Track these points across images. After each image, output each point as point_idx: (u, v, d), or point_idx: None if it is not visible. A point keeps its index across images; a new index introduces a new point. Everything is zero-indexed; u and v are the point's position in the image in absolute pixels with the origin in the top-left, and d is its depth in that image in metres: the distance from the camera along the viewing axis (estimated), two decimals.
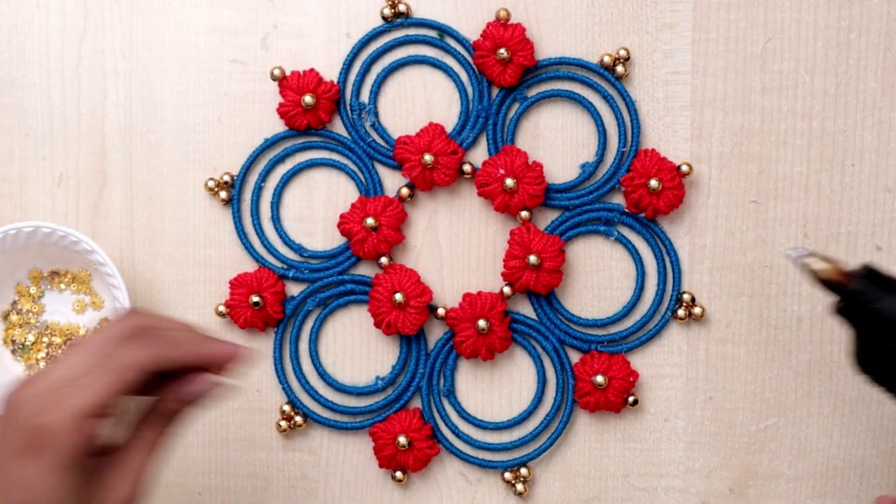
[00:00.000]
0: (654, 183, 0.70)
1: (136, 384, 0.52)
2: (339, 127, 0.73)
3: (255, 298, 0.71)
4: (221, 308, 0.72)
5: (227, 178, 0.73)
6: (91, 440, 0.50)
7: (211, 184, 0.73)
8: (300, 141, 0.73)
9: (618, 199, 0.72)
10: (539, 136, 0.72)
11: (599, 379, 0.71)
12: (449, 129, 0.72)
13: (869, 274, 0.59)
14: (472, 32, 0.72)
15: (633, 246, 0.72)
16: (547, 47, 0.72)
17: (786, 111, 0.71)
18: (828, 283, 0.60)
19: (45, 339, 0.73)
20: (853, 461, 0.72)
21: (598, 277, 0.73)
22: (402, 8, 0.72)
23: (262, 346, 0.73)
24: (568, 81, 0.72)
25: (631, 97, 0.71)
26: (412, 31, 0.72)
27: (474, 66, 0.72)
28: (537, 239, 0.70)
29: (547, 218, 0.72)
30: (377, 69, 0.73)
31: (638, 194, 0.70)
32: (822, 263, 0.60)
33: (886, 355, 0.58)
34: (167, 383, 0.55)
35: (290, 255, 0.73)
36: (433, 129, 0.71)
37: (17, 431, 0.49)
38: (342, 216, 0.72)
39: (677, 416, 0.73)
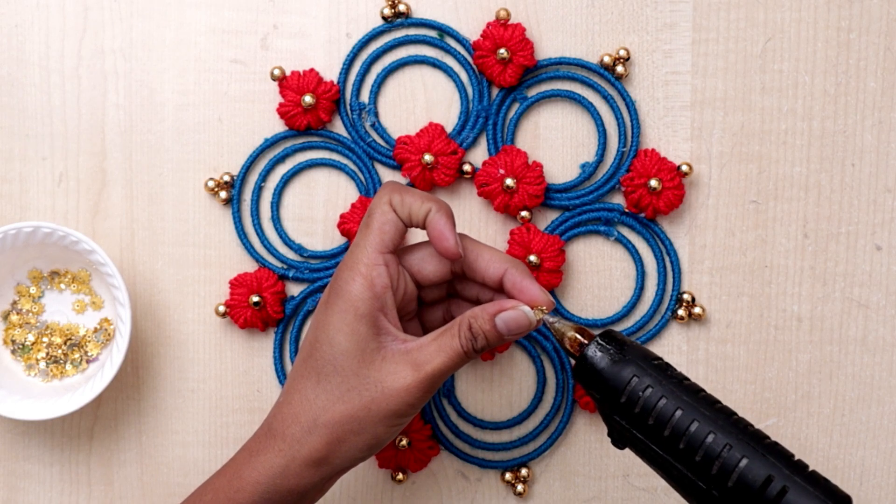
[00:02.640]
0: (654, 183, 0.70)
1: (416, 218, 0.60)
2: (339, 127, 0.73)
3: (255, 298, 0.71)
4: (221, 308, 0.72)
5: (227, 178, 0.73)
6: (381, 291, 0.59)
7: (211, 184, 0.73)
8: (300, 141, 0.73)
9: (618, 199, 0.72)
10: (539, 136, 0.72)
11: None
12: (449, 129, 0.72)
13: (599, 343, 0.56)
14: (472, 32, 0.72)
15: (633, 246, 0.72)
16: (547, 47, 0.72)
17: (786, 111, 0.71)
18: (567, 350, 0.57)
19: (45, 339, 0.73)
20: (853, 461, 0.72)
21: (598, 277, 0.73)
22: (402, 8, 0.72)
23: (263, 346, 0.73)
24: (568, 81, 0.72)
25: (631, 97, 0.71)
26: (412, 31, 0.72)
27: (474, 66, 0.72)
28: (537, 239, 0.70)
29: (547, 218, 0.72)
30: (377, 69, 0.73)
31: (638, 194, 0.70)
32: (566, 330, 0.57)
33: (615, 425, 0.55)
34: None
35: (290, 255, 0.73)
36: (433, 129, 0.71)
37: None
38: (342, 216, 0.72)
39: None
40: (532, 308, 0.59)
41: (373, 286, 0.59)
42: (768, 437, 0.53)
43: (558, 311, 0.72)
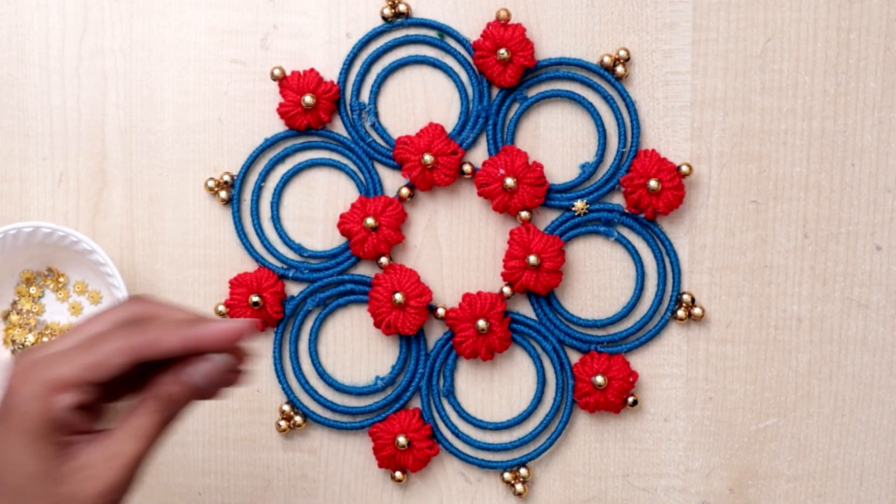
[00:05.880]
0: (653, 183, 0.70)
1: (118, 370, 0.50)
2: (339, 127, 0.73)
3: (255, 298, 0.71)
4: (221, 308, 0.72)
5: (227, 178, 0.73)
6: (60, 413, 0.50)
7: (211, 184, 0.73)
8: (300, 141, 0.73)
9: (618, 200, 0.72)
10: (539, 136, 0.72)
11: (599, 379, 0.71)
12: (449, 129, 0.72)
13: None
14: (473, 32, 0.72)
15: (633, 246, 0.72)
16: (547, 47, 0.72)
17: (786, 111, 0.71)
18: None
19: (45, 339, 0.73)
20: (853, 461, 0.72)
21: (598, 277, 0.73)
22: (402, 8, 0.72)
23: (262, 346, 0.73)
24: (568, 81, 0.72)
25: (631, 97, 0.71)
26: (412, 31, 0.72)
27: (474, 67, 0.72)
28: (537, 239, 0.70)
29: (547, 218, 0.72)
30: (377, 69, 0.73)
31: (638, 195, 0.70)
32: None
33: None
34: (165, 371, 0.53)
35: (290, 255, 0.73)
36: (433, 129, 0.71)
37: None
38: (342, 216, 0.72)
39: (677, 416, 0.73)
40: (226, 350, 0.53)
41: (57, 412, 0.50)
42: None
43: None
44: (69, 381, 0.50)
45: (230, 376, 0.53)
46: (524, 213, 0.71)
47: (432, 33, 0.72)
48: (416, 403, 0.73)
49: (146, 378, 0.53)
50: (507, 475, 0.73)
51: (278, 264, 0.73)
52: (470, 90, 0.72)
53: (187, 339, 0.52)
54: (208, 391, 0.53)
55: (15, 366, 0.51)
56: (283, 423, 0.73)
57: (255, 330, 0.53)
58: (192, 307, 0.73)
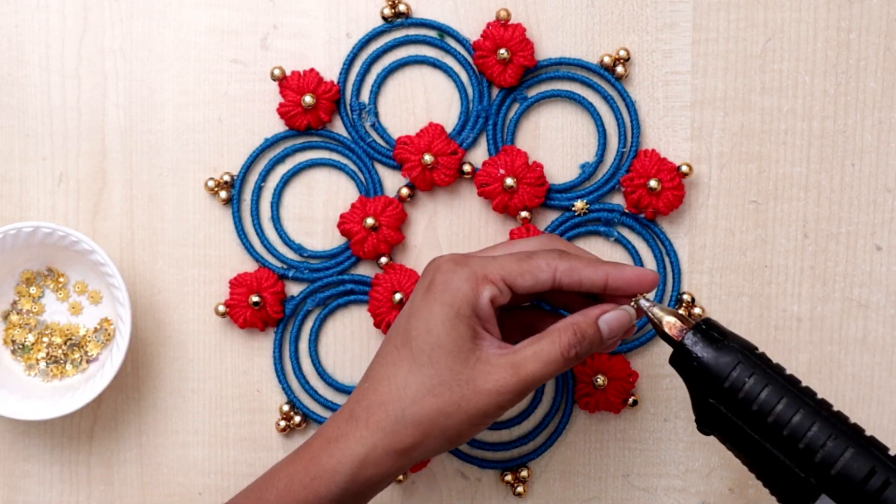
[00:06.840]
0: (653, 183, 0.70)
1: (538, 284, 0.58)
2: (339, 127, 0.73)
3: (255, 298, 0.71)
4: (221, 308, 0.72)
5: (227, 178, 0.73)
6: (483, 302, 0.58)
7: (211, 184, 0.73)
8: (300, 141, 0.73)
9: (618, 200, 0.72)
10: (539, 136, 0.72)
11: (599, 379, 0.71)
12: (449, 129, 0.72)
13: (701, 329, 0.57)
14: (473, 32, 0.72)
15: (633, 246, 0.72)
16: (547, 47, 0.72)
17: (786, 111, 0.71)
18: (664, 335, 0.58)
19: (45, 339, 0.73)
20: None
21: None
22: (402, 8, 0.72)
23: (262, 345, 0.73)
24: (568, 81, 0.72)
25: (631, 97, 0.71)
26: (412, 31, 0.72)
27: (474, 67, 0.72)
28: None
29: (547, 218, 0.72)
30: (377, 69, 0.73)
31: (638, 195, 0.70)
32: (664, 315, 0.58)
33: (708, 410, 0.57)
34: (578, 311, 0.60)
35: (290, 255, 0.73)
36: (433, 129, 0.71)
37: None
38: (342, 216, 0.72)
39: (677, 416, 0.73)
40: (633, 297, 0.60)
41: (480, 298, 0.58)
42: (865, 430, 0.55)
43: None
44: (497, 278, 0.58)
45: (627, 334, 0.61)
46: (524, 213, 0.71)
47: (432, 33, 0.72)
48: None
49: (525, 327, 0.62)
50: (507, 476, 0.73)
51: (278, 264, 0.73)
52: (470, 90, 0.72)
53: (610, 274, 0.59)
54: (608, 344, 0.60)
55: (443, 258, 0.59)
56: (283, 423, 0.73)
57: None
58: (186, 318, 0.73)
